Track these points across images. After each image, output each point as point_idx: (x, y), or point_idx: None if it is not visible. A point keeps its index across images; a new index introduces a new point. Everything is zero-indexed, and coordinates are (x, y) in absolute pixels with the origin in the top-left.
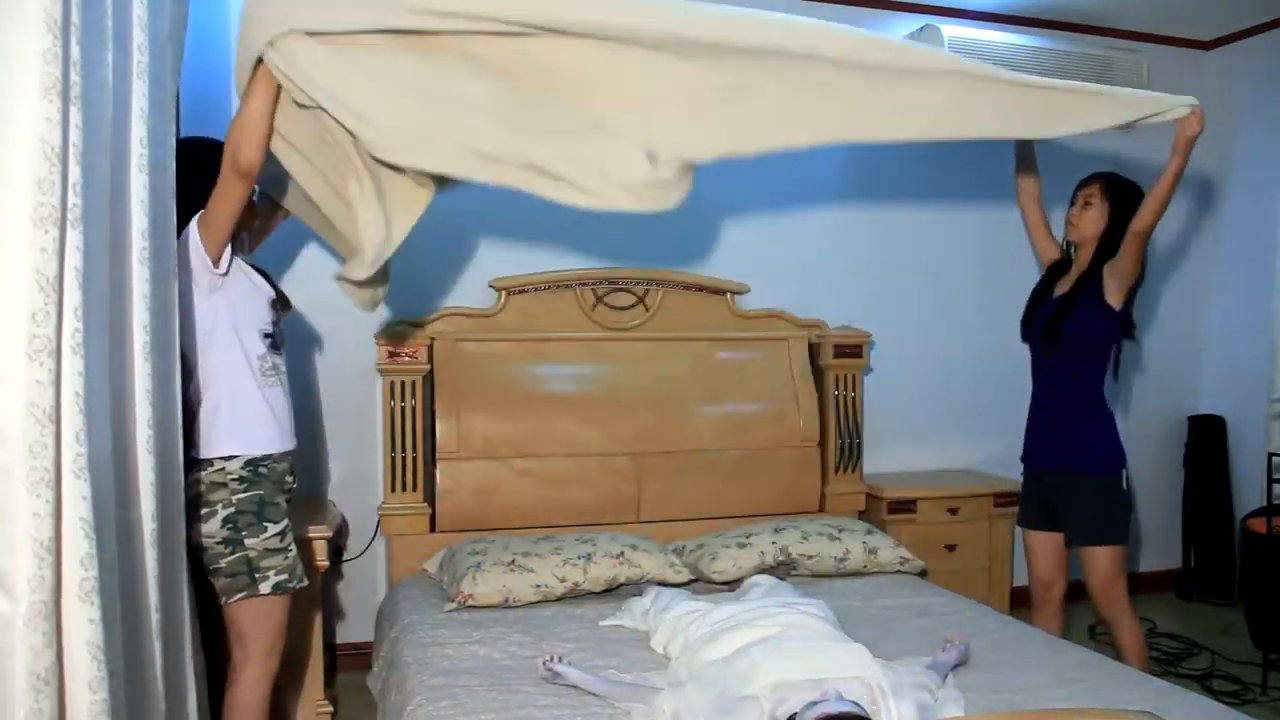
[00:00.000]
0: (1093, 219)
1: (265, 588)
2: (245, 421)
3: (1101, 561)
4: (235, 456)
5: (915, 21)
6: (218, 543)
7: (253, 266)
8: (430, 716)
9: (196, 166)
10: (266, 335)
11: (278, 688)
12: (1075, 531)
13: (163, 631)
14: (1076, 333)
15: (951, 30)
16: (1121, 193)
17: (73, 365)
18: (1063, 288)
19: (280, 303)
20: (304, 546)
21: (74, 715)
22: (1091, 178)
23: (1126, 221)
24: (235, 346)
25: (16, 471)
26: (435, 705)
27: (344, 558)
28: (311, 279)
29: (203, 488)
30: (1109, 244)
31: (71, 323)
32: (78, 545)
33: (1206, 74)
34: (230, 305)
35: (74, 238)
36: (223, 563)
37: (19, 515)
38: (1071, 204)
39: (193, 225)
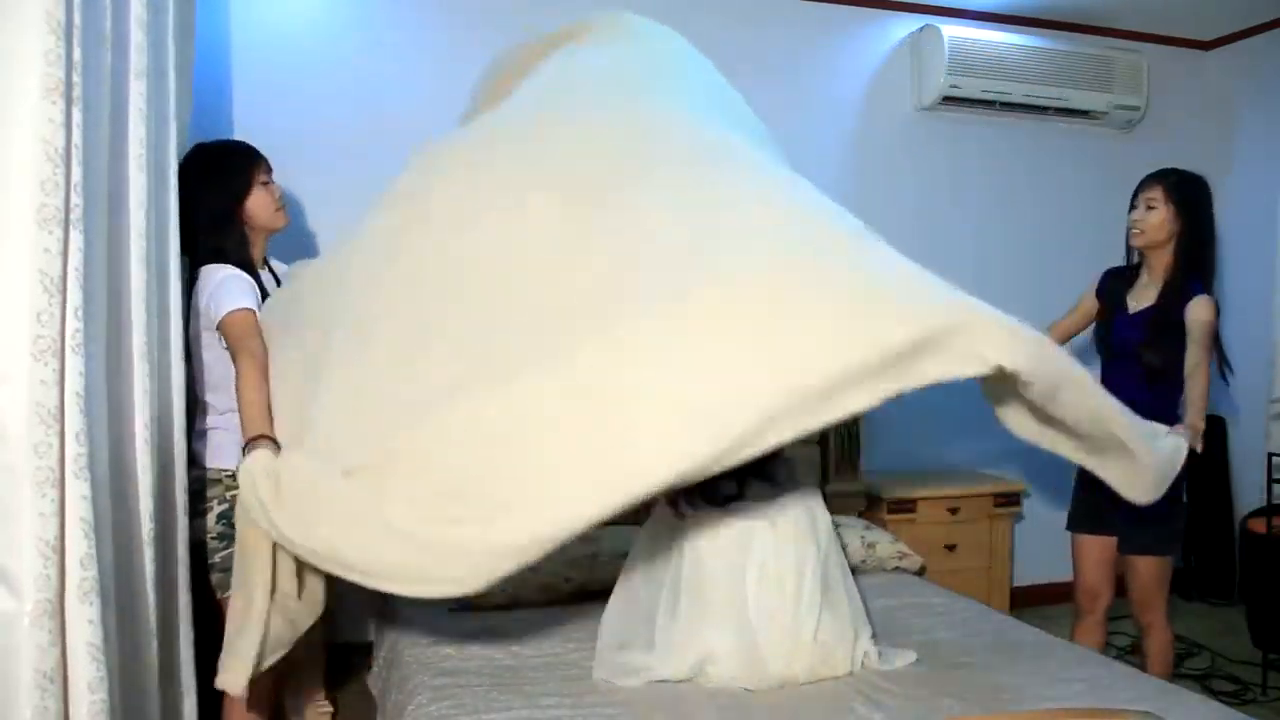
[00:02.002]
0: (1158, 223)
1: None
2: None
3: (1147, 571)
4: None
5: (915, 21)
6: (214, 538)
7: (271, 270)
8: (431, 717)
9: (215, 170)
10: None
11: (277, 687)
12: (1126, 539)
13: (160, 631)
14: (1164, 358)
15: (951, 30)
16: (1186, 190)
17: (74, 365)
18: (1138, 301)
19: None
20: None
21: (74, 716)
22: (1152, 179)
23: (1196, 220)
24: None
25: (21, 470)
26: (436, 705)
27: None
28: None
29: (201, 485)
30: (1184, 248)
31: (72, 323)
32: (77, 545)
33: (1206, 74)
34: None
35: (75, 238)
36: (217, 558)
37: (23, 514)
38: (1133, 208)
39: (212, 300)
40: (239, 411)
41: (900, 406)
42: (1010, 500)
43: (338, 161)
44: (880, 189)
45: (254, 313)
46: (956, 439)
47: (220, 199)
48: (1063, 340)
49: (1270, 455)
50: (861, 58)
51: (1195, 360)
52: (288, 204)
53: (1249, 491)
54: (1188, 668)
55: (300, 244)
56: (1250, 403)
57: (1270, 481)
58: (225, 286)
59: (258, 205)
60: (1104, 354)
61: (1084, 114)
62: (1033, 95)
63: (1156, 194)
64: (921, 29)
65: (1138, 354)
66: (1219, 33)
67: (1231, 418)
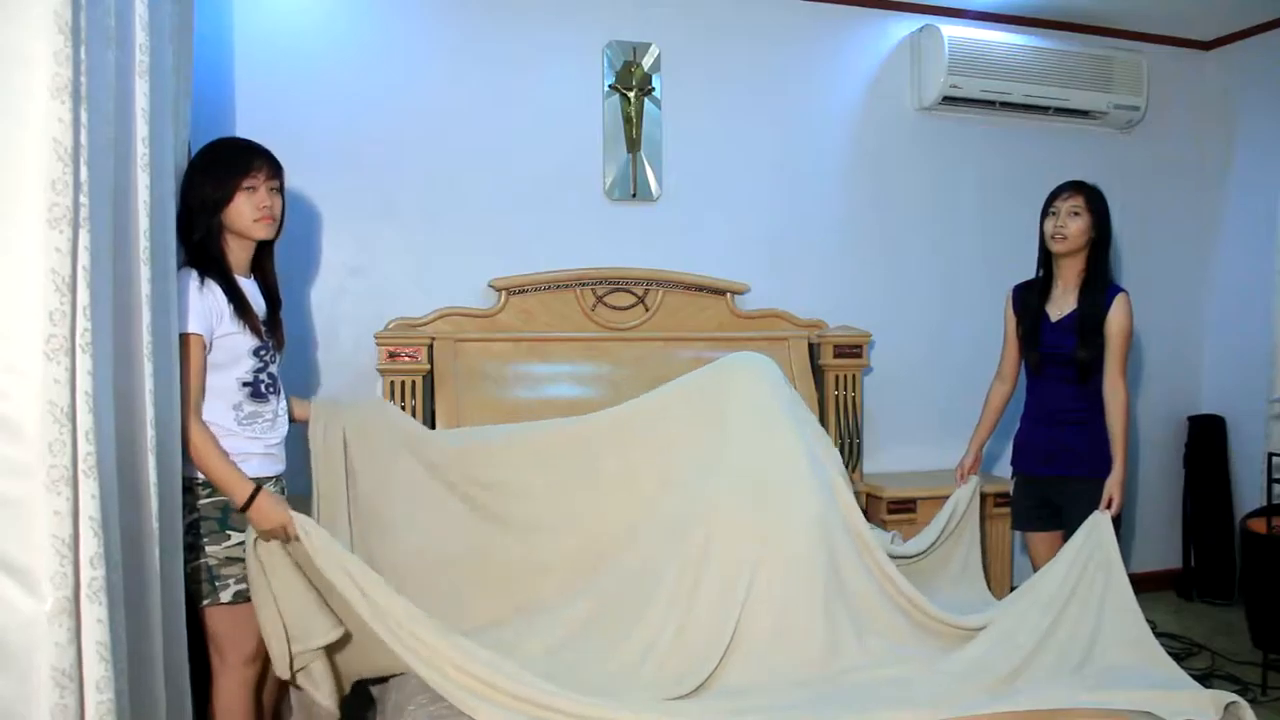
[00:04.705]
0: (1082, 229)
1: (226, 596)
2: None
3: None
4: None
5: (915, 21)
6: (183, 547)
7: (262, 284)
8: (430, 716)
9: (208, 168)
10: (246, 384)
11: (269, 689)
12: (1068, 530)
13: (165, 630)
14: (1095, 355)
15: (951, 30)
16: (1099, 199)
17: (83, 364)
18: (1059, 309)
19: (273, 340)
20: None
21: (84, 715)
22: (1072, 189)
23: (1106, 226)
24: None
25: (36, 469)
26: (435, 705)
27: None
28: (310, 279)
29: None
30: (1095, 253)
31: (82, 322)
32: (87, 544)
33: (1206, 74)
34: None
35: (83, 237)
36: (188, 567)
37: (39, 513)
38: (1053, 214)
39: (184, 318)
40: (216, 487)
41: (901, 406)
42: (1010, 500)
43: (340, 161)
44: (880, 189)
45: (201, 338)
46: (956, 439)
47: (207, 198)
48: (1017, 369)
49: (1270, 455)
50: (861, 58)
51: (1114, 381)
52: (273, 213)
53: (1249, 491)
54: (1188, 667)
55: (300, 243)
56: (1250, 403)
57: (1270, 481)
58: (182, 300)
59: (234, 211)
60: (1033, 364)
61: (1084, 114)
62: (1033, 95)
63: (1080, 202)
64: (921, 29)
65: (1070, 357)
66: (1219, 33)
67: (1231, 418)
